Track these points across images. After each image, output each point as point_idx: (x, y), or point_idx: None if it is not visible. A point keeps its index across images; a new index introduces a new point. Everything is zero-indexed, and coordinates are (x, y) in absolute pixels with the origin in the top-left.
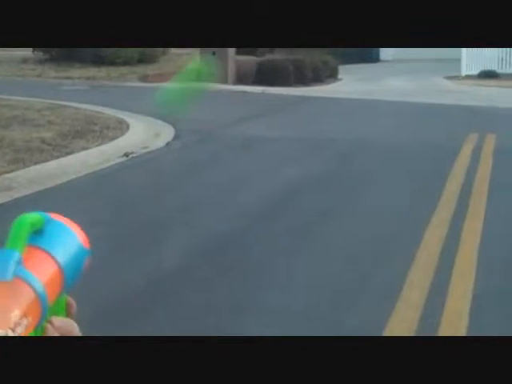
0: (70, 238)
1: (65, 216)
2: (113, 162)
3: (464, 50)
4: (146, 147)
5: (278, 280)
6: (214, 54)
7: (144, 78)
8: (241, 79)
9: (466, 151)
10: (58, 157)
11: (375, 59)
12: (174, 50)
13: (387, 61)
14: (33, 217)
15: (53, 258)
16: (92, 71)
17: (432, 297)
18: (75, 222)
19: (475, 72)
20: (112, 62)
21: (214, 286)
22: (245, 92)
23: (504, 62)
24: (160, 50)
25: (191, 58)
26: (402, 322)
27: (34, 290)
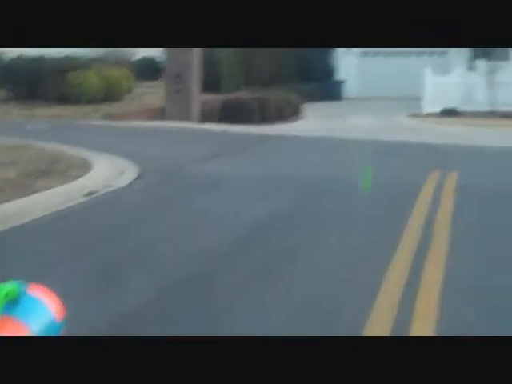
0: (45, 312)
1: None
2: (76, 202)
3: (427, 88)
4: (109, 186)
5: (241, 320)
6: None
7: (108, 117)
8: (205, 117)
9: (429, 189)
10: (21, 196)
11: (338, 97)
12: (137, 89)
13: (350, 98)
14: (9, 288)
15: (26, 328)
16: (57, 109)
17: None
18: (50, 291)
19: (437, 110)
20: (76, 101)
21: (178, 327)
22: (209, 130)
23: (466, 100)
24: (124, 88)
25: (154, 97)
26: None
27: None
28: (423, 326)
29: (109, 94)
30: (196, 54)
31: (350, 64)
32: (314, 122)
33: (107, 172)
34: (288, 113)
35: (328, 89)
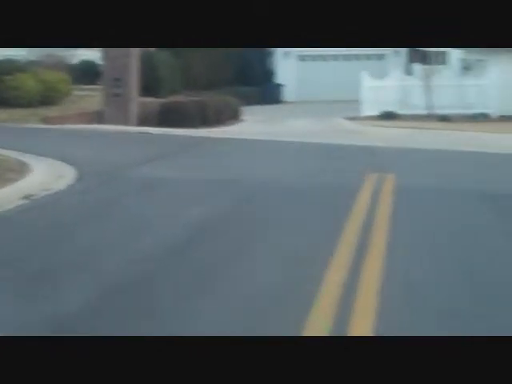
0: None
1: None
2: (13, 205)
3: (364, 91)
4: (47, 189)
5: (180, 324)
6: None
7: (46, 120)
8: (144, 120)
9: (366, 191)
10: None
11: (277, 100)
12: (76, 92)
13: (290, 102)
14: None
15: None
16: None
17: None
18: None
19: (375, 113)
20: (14, 104)
21: (114, 331)
22: (148, 133)
23: (403, 103)
24: (62, 92)
25: (93, 101)
26: None
27: None
28: (363, 323)
29: (47, 98)
30: (135, 58)
31: (289, 67)
32: (254, 125)
33: (46, 175)
34: (227, 116)
35: (267, 92)
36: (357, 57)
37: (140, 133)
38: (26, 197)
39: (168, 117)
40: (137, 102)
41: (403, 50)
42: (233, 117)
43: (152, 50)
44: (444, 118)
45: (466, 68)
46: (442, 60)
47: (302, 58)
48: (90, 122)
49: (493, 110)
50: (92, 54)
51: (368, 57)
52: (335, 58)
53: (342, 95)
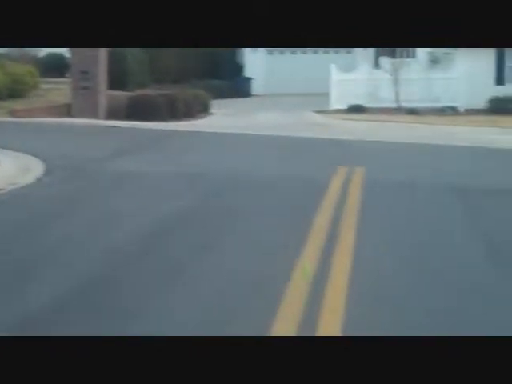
0: None
1: None
2: None
3: (333, 84)
4: (14, 183)
5: (149, 315)
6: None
7: (13, 113)
8: (113, 114)
9: (336, 184)
10: None
11: (247, 94)
12: (43, 85)
13: (259, 95)
14: None
15: None
16: None
17: (301, 332)
18: None
19: (344, 106)
20: None
21: (84, 326)
22: (116, 127)
23: (371, 97)
24: (29, 84)
25: (61, 93)
26: None
27: None
28: (331, 316)
29: (14, 90)
30: (103, 51)
31: (258, 61)
32: (223, 118)
33: (12, 169)
34: (197, 110)
35: (237, 86)
36: (325, 50)
37: (108, 126)
38: None
39: (137, 110)
40: (105, 95)
41: None
42: (202, 110)
43: None
44: (412, 112)
45: (434, 61)
46: (410, 53)
47: (270, 52)
48: (58, 115)
49: (460, 104)
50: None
51: (336, 50)
52: (304, 51)
53: (311, 88)
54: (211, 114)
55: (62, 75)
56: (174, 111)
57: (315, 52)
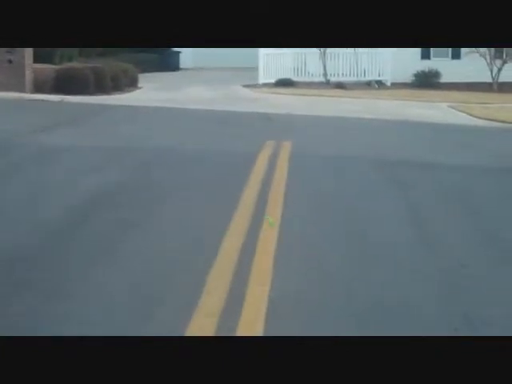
0: None
1: None
2: None
3: (261, 58)
4: None
5: (77, 291)
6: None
7: None
8: (39, 87)
9: (263, 158)
10: None
11: (175, 67)
12: None
13: (187, 69)
14: None
15: None
16: None
17: (229, 304)
18: None
19: (272, 80)
20: None
21: (10, 303)
22: (43, 100)
23: (299, 71)
24: None
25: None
26: (199, 331)
27: None
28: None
29: None
30: None
31: None
32: (152, 92)
33: None
34: (125, 83)
35: (165, 59)
36: None
37: (35, 100)
38: None
39: (64, 84)
40: (31, 68)
41: None
42: (131, 84)
43: None
44: (339, 86)
45: None
46: None
47: None
48: None
49: (387, 78)
50: None
51: None
52: None
53: (240, 62)
54: (139, 87)
55: None
56: (101, 85)
57: None
